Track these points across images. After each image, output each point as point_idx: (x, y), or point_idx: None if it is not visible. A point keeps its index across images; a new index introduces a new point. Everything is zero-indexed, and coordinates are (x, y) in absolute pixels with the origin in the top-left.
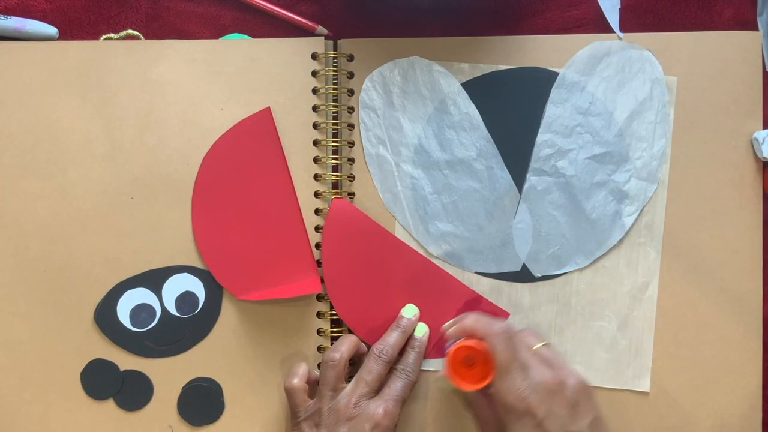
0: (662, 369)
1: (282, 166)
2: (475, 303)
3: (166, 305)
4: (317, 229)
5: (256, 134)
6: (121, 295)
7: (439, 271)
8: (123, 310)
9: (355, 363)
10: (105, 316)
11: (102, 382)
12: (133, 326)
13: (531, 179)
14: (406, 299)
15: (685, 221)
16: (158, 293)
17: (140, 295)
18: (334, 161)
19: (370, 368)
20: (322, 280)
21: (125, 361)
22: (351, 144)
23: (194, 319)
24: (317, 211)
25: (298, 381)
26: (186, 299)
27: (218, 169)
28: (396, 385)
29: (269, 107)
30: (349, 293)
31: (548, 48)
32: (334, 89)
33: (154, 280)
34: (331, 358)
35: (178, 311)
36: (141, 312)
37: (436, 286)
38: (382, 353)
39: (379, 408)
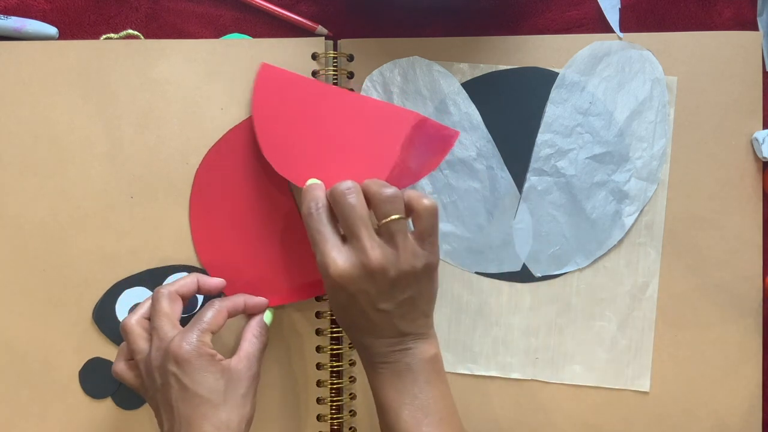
0: (662, 369)
1: None
2: (421, 126)
3: None
4: None
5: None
6: (120, 293)
7: (376, 103)
8: (122, 309)
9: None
10: (103, 314)
11: (100, 381)
12: None
13: (531, 179)
14: (347, 139)
15: (685, 221)
16: None
17: (139, 294)
18: None
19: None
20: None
21: None
22: None
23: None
24: None
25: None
26: None
27: (217, 169)
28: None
29: None
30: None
31: (548, 48)
32: None
33: (153, 279)
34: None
35: None
36: None
37: (377, 119)
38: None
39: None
